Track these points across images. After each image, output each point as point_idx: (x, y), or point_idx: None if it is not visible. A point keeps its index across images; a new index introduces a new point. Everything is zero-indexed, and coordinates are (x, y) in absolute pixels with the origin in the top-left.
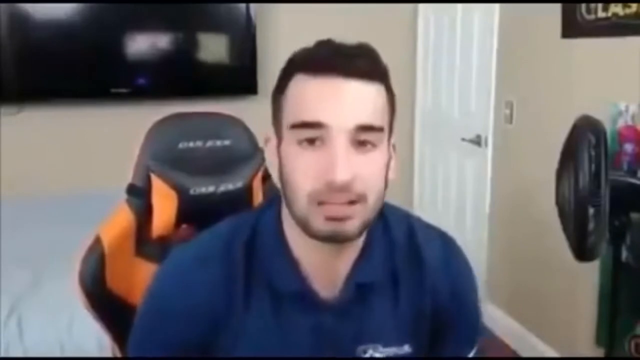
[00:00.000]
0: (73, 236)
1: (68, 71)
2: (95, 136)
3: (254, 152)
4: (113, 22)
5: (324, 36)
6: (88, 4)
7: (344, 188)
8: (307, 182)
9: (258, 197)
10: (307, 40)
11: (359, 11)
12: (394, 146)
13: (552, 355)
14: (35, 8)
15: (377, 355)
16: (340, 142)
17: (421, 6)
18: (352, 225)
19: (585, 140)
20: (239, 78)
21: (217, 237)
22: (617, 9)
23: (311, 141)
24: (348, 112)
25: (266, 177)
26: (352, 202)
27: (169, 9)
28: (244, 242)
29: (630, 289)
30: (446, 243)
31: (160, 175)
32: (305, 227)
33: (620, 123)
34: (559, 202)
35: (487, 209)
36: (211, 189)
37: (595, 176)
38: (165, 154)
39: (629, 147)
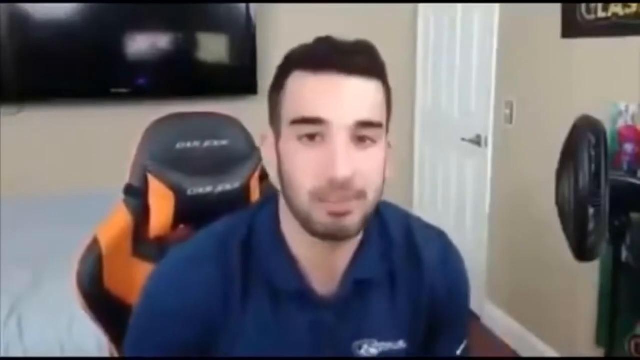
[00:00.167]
0: (73, 236)
1: (68, 71)
2: (95, 136)
3: (251, 152)
4: (113, 22)
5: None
6: (88, 4)
7: (345, 184)
8: (308, 179)
9: (255, 197)
10: (307, 40)
11: (359, 11)
12: (389, 143)
13: (552, 355)
14: (35, 8)
15: (372, 350)
16: (340, 138)
17: (421, 6)
18: (352, 221)
19: (585, 140)
20: (239, 78)
21: (213, 237)
22: (617, 9)
23: (311, 137)
24: (348, 108)
25: (263, 177)
26: (352, 198)
27: (169, 9)
28: (241, 240)
29: (630, 289)
30: (444, 243)
31: (157, 176)
32: (306, 223)
33: (620, 123)
34: (559, 202)
35: (487, 209)
36: (209, 189)
37: (595, 176)
38: (162, 154)
39: (629, 147)
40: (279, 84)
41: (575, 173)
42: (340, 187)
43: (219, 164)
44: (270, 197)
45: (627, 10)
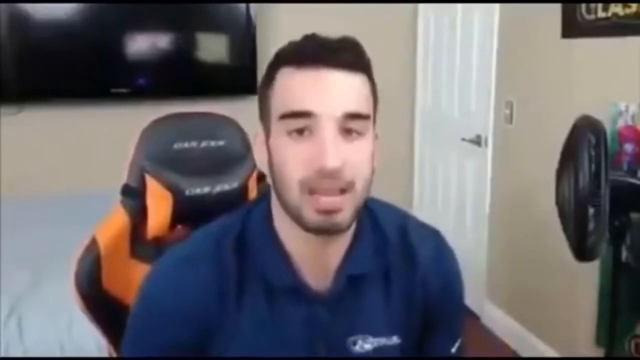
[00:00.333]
0: (73, 236)
1: (68, 71)
2: (95, 136)
3: (248, 152)
4: (113, 22)
5: None
6: (88, 4)
7: (335, 174)
8: (298, 170)
9: (253, 197)
10: None
11: (359, 11)
12: (376, 136)
13: (552, 355)
14: (35, 8)
15: (367, 345)
16: (329, 130)
17: (421, 6)
18: (342, 217)
19: (585, 140)
20: (239, 78)
21: (209, 237)
22: (617, 9)
23: (300, 132)
24: (335, 101)
25: (261, 177)
26: (342, 191)
27: (169, 9)
28: (234, 238)
29: (630, 289)
30: (438, 241)
31: (155, 176)
32: (297, 218)
33: (620, 123)
34: (559, 202)
35: (487, 209)
36: (206, 189)
37: (595, 176)
38: (160, 155)
39: (629, 147)
40: (268, 81)
41: (575, 173)
42: (329, 177)
43: (216, 164)
44: (263, 196)
45: (627, 10)
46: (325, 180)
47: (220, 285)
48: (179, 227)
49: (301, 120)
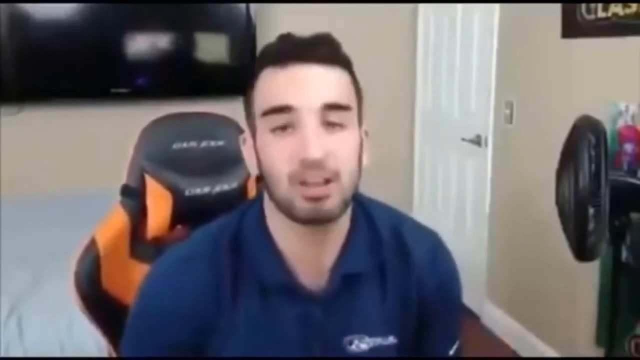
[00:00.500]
0: (73, 236)
1: (68, 71)
2: (95, 136)
3: None
4: (113, 22)
5: None
6: (88, 4)
7: (318, 164)
8: (284, 165)
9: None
10: None
11: (359, 11)
12: (366, 132)
13: (552, 355)
14: (35, 8)
15: (363, 345)
16: (310, 122)
17: (421, 6)
18: (332, 204)
19: (585, 140)
20: (239, 78)
21: (208, 237)
22: (617, 9)
23: (283, 128)
24: (314, 93)
25: (260, 177)
26: (327, 181)
27: (169, 9)
28: (229, 239)
29: (630, 289)
30: (434, 243)
31: (154, 176)
32: (288, 210)
33: (620, 123)
34: (559, 202)
35: (487, 209)
36: (206, 189)
37: (595, 176)
38: (159, 155)
39: (629, 147)
40: (251, 84)
41: (575, 173)
42: (313, 167)
43: (215, 164)
44: (257, 197)
45: (627, 10)
46: (310, 172)
47: (216, 284)
48: (179, 227)
49: (282, 116)
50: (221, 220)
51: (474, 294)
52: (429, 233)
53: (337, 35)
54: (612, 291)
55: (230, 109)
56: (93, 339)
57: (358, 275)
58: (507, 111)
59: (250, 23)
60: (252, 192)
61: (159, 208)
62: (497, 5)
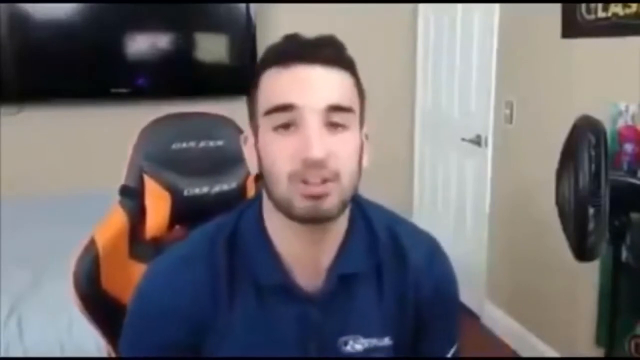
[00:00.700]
0: (73, 236)
1: (68, 71)
2: (95, 136)
3: None
4: (113, 22)
5: None
6: (88, 4)
7: (319, 164)
8: (285, 164)
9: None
10: None
11: (359, 11)
12: (366, 135)
13: (552, 355)
14: (35, 8)
15: (358, 346)
16: (313, 122)
17: (421, 6)
18: (330, 203)
19: (585, 140)
20: (239, 78)
21: (205, 236)
22: (617, 9)
23: (286, 127)
24: (318, 94)
25: (259, 177)
26: (327, 180)
27: (169, 9)
28: (226, 238)
29: (630, 289)
30: (431, 246)
31: (153, 176)
32: (287, 209)
33: (620, 123)
34: (559, 202)
35: (487, 209)
36: (205, 189)
37: (595, 176)
38: (158, 155)
39: (629, 147)
40: (254, 84)
41: (575, 173)
42: (314, 167)
43: (214, 164)
44: (256, 197)
45: (627, 10)
46: (311, 171)
47: (213, 284)
48: (178, 227)
49: (285, 114)
50: (219, 219)
51: (474, 294)
52: (426, 237)
53: (337, 35)
54: (612, 291)
55: (230, 109)
56: (93, 339)
57: (355, 275)
58: (507, 111)
59: (250, 23)
60: (250, 192)
61: (157, 208)
62: (497, 5)
